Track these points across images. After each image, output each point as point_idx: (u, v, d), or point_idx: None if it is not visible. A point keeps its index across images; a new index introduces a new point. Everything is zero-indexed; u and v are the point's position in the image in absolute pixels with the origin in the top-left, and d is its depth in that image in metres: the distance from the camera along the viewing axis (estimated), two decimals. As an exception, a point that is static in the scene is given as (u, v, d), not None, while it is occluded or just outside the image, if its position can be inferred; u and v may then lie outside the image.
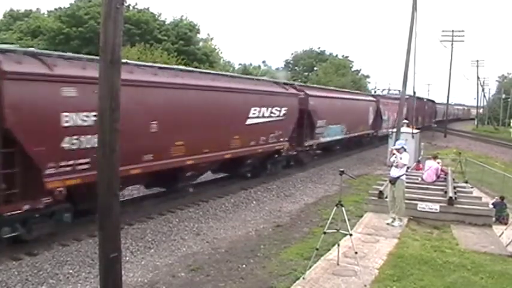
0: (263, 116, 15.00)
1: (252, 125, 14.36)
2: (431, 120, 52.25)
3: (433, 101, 57.33)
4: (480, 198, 12.55)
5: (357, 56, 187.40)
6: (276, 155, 16.80)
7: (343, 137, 23.71)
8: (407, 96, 37.79)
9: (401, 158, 10.28)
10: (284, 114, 16.33)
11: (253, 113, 14.39)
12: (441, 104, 61.97)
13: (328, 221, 7.53)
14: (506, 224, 11.30)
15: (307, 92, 19.18)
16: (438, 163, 13.97)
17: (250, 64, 62.70)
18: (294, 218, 11.66)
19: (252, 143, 14.54)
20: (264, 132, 15.13)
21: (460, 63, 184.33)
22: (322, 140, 20.82)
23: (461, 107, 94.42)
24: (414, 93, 28.09)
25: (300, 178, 17.48)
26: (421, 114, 43.84)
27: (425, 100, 48.44)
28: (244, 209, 12.55)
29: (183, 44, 39.25)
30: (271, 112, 15.42)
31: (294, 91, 18.01)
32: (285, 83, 18.56)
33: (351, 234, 7.67)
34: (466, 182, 14.82)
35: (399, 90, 26.77)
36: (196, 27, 43.53)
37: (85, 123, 8.46)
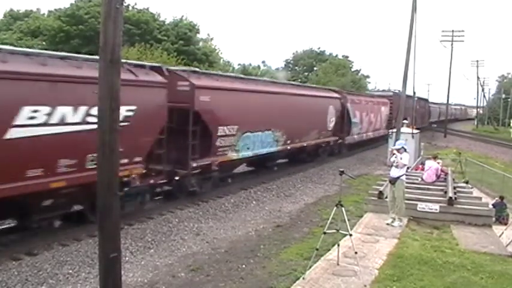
0: (63, 122, 8.33)
1: (25, 140, 7.68)
2: (423, 121, 45.32)
3: (425, 100, 51.41)
4: (480, 198, 12.54)
5: (357, 56, 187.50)
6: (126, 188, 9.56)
7: (278, 148, 16.56)
8: (390, 93, 33.53)
9: (401, 158, 10.28)
10: (128, 118, 9.30)
11: (30, 117, 7.78)
12: (436, 103, 61.18)
13: (328, 221, 7.53)
14: (506, 224, 11.30)
15: (195, 81, 12.07)
16: (438, 163, 13.97)
17: (250, 64, 62.74)
18: (294, 218, 11.66)
19: (34, 173, 7.95)
20: (68, 150, 8.51)
21: (460, 63, 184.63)
22: (233, 155, 13.83)
23: (458, 107, 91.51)
24: (414, 93, 27.80)
25: (300, 178, 17.48)
26: (409, 115, 39.13)
27: (416, 99, 43.23)
28: (244, 209, 12.55)
29: (183, 44, 39.27)
30: (87, 114, 8.63)
31: (155, 78, 10.65)
32: (137, 65, 10.97)
33: (350, 235, 7.67)
34: (467, 183, 14.81)
35: (399, 90, 26.51)
36: (196, 27, 43.58)
37: None
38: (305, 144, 18.90)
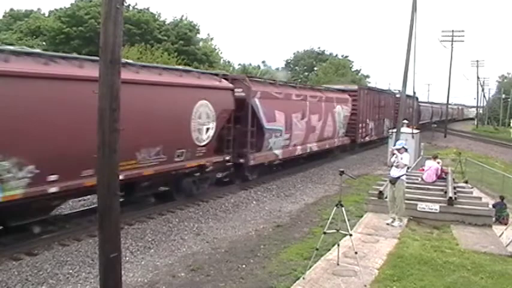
0: None
1: None
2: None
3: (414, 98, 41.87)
4: (480, 198, 12.54)
5: (357, 56, 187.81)
6: None
7: None
8: (354, 88, 25.80)
9: (401, 158, 10.29)
10: None
11: None
12: (427, 102, 59.73)
13: (328, 221, 7.53)
14: (506, 224, 11.29)
15: None
16: (438, 163, 13.95)
17: (250, 64, 62.83)
18: (294, 218, 11.66)
19: None
20: None
21: (460, 63, 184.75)
22: None
23: (455, 107, 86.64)
24: (414, 93, 27.59)
25: (300, 178, 17.47)
26: (388, 116, 31.35)
27: (399, 96, 34.21)
28: (244, 209, 12.55)
29: (183, 44, 39.37)
30: None
31: None
32: None
33: (350, 235, 7.67)
34: (466, 182, 14.82)
35: (399, 90, 26.32)
36: (196, 27, 43.70)
37: None
38: (122, 177, 7.40)
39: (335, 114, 21.87)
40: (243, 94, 14.13)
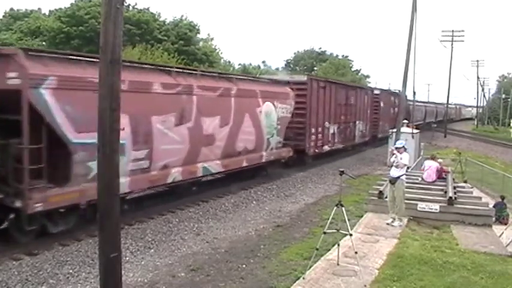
0: None
1: None
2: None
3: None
4: (480, 198, 12.54)
5: (357, 56, 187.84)
6: None
7: None
8: (302, 79, 18.87)
9: (401, 158, 10.29)
10: None
11: None
12: (421, 101, 58.83)
13: (328, 221, 7.54)
14: (506, 224, 11.29)
15: None
16: (439, 163, 13.93)
17: (250, 64, 62.91)
18: (294, 218, 11.66)
19: None
20: None
21: (460, 63, 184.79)
22: None
23: (453, 106, 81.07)
24: (414, 93, 27.59)
25: (300, 178, 17.46)
26: (362, 117, 26.11)
27: (379, 92, 30.47)
28: (244, 209, 12.55)
29: (183, 44, 39.38)
30: None
31: None
32: None
33: (351, 234, 7.67)
34: (465, 182, 14.81)
35: (399, 90, 26.28)
36: (197, 27, 43.70)
37: None
38: None
39: (259, 116, 14.94)
40: (17, 81, 7.71)
